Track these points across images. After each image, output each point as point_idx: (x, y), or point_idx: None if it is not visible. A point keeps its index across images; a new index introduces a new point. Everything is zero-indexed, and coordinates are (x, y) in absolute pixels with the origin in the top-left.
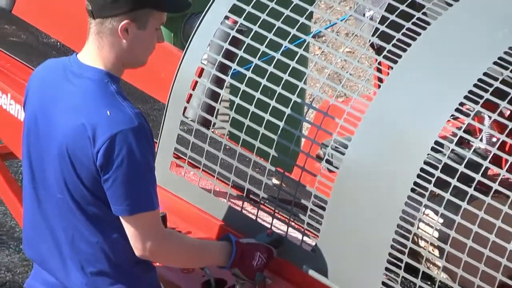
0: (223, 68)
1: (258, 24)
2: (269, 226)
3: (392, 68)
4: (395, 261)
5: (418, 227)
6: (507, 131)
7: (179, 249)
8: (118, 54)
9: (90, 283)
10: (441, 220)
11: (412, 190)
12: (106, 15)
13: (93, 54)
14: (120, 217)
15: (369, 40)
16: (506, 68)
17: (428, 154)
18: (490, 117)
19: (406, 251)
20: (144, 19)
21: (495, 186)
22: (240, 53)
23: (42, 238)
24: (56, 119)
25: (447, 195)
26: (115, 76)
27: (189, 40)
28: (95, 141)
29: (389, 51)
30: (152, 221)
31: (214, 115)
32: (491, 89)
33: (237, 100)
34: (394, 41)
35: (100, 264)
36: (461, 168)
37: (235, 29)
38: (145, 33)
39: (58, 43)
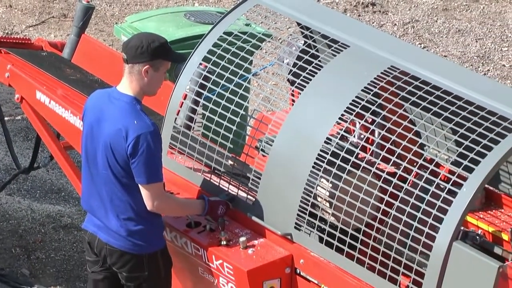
0: (198, 94)
1: (219, 67)
2: (226, 189)
3: (300, 93)
4: (303, 210)
5: (316, 189)
6: (369, 131)
7: (174, 206)
8: (141, 86)
9: (123, 225)
10: (330, 185)
11: (313, 167)
12: (135, 61)
13: (126, 86)
14: (139, 185)
15: (287, 77)
16: (368, 93)
17: (322, 145)
18: (359, 122)
19: (309, 203)
20: (158, 65)
21: (363, 164)
22: (209, 85)
23: (93, 197)
24: (104, 125)
25: (334, 170)
26: (139, 100)
27: (178, 77)
28: (127, 139)
29: (299, 83)
30: (158, 188)
31: (193, 122)
32: (360, 106)
33: (207, 113)
34: (301, 77)
35: (128, 213)
36: (342, 153)
37: (205, 71)
38: (158, 74)
39: (99, 79)
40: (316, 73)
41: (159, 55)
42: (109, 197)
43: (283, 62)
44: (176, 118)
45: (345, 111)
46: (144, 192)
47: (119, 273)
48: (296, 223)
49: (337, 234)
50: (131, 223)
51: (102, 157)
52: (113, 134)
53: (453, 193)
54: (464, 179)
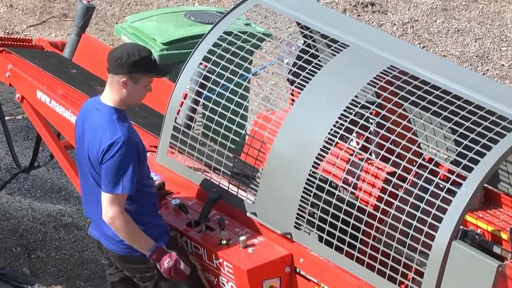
0: (198, 94)
1: (220, 67)
2: (226, 188)
3: (299, 93)
4: (302, 209)
5: (315, 189)
6: (368, 131)
7: (125, 227)
8: (120, 97)
9: None
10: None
11: (313, 166)
12: (114, 72)
13: (107, 95)
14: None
15: (286, 77)
16: (367, 93)
17: (322, 145)
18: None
19: (309, 203)
20: (137, 78)
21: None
22: (209, 84)
23: (89, 204)
24: (85, 135)
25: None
26: (119, 109)
27: (178, 77)
28: (100, 148)
29: (298, 83)
30: (115, 200)
31: (193, 122)
32: (359, 105)
33: (207, 113)
34: (301, 77)
35: None
36: (342, 152)
37: (205, 70)
38: (137, 86)
39: (99, 79)
40: (316, 72)
41: (138, 69)
42: (99, 204)
43: (283, 61)
44: (176, 118)
45: (344, 110)
46: (102, 200)
47: (132, 276)
48: (296, 222)
49: (337, 233)
50: None
51: (86, 166)
52: (91, 145)
53: (452, 193)
54: (464, 178)
